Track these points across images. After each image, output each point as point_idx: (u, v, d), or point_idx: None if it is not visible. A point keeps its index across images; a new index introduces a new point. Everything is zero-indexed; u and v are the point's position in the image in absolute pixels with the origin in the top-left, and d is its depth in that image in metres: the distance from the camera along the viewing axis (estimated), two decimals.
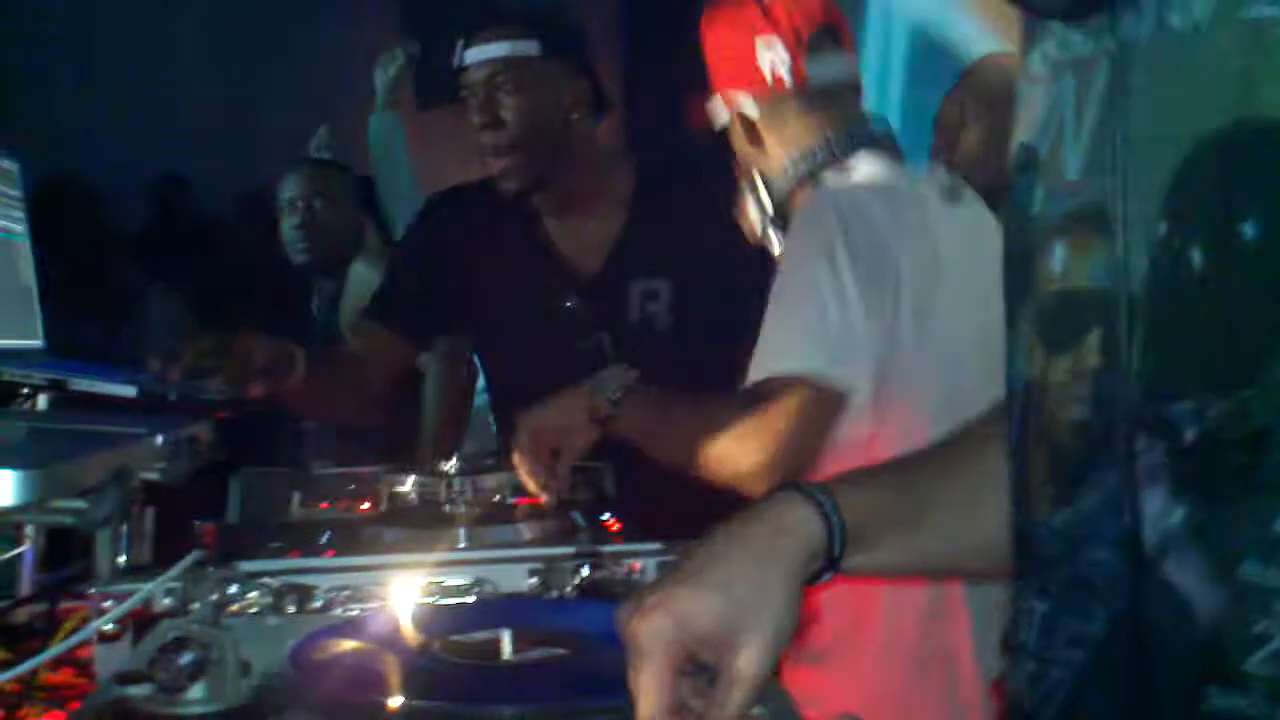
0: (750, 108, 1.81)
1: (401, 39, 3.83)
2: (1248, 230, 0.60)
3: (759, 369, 1.68)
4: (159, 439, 1.03)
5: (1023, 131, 0.81)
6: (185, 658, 1.04)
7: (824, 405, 1.65)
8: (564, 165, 2.19)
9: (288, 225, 3.24)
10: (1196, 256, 0.62)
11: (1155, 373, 0.66)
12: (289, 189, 3.25)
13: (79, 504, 0.89)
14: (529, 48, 2.15)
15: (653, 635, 0.88)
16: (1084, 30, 0.72)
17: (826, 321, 1.65)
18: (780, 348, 1.68)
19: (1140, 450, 0.67)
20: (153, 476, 1.04)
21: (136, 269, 3.95)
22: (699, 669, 0.90)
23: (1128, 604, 0.69)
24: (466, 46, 2.16)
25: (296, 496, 1.86)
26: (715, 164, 1.91)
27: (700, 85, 1.91)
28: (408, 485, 1.79)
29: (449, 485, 1.75)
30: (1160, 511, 0.66)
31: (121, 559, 1.32)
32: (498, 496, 1.75)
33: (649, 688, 0.87)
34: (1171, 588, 0.65)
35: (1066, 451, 0.74)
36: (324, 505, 1.82)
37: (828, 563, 0.94)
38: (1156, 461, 0.66)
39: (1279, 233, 0.59)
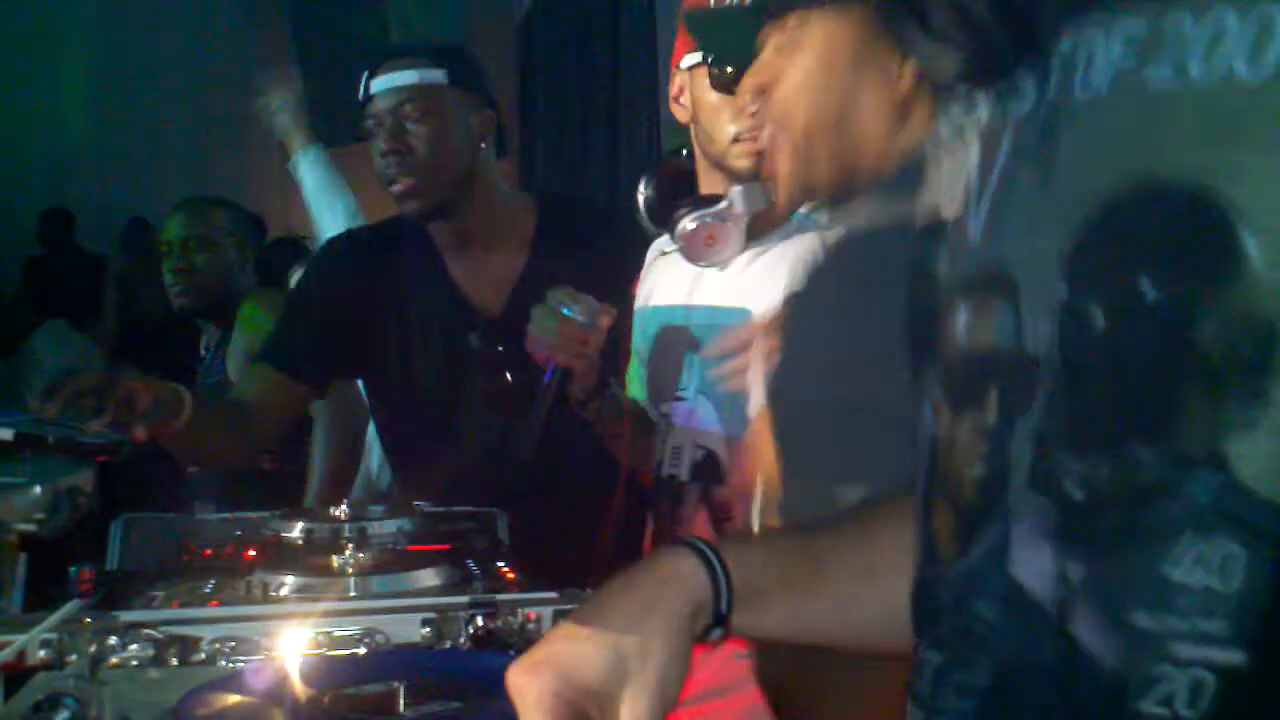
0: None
1: (281, 76, 3.66)
2: (1146, 291, 0.61)
3: None
4: (37, 489, 0.99)
5: (929, 195, 0.83)
6: (60, 716, 1.00)
7: None
8: (468, 194, 2.18)
9: (166, 268, 3.17)
10: (1096, 317, 0.63)
11: (1051, 431, 0.67)
12: (168, 231, 3.18)
13: None
14: (437, 76, 2.15)
15: (537, 693, 0.88)
16: (990, 99, 0.74)
17: None
18: None
19: (1032, 506, 0.68)
20: (29, 529, 1.00)
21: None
22: None
23: (1016, 655, 0.70)
24: (372, 77, 2.14)
25: (180, 543, 1.80)
26: (612, 206, 1.90)
27: (592, 131, 1.90)
28: (296, 531, 1.75)
29: (339, 531, 1.71)
30: (1053, 566, 0.67)
31: None
32: (389, 543, 1.71)
33: None
34: (1066, 639, 0.66)
35: (966, 507, 0.75)
36: (209, 552, 1.76)
37: (716, 619, 0.94)
38: (1048, 517, 0.67)
39: (1175, 294, 0.60)
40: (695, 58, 1.78)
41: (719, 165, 1.79)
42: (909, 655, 0.83)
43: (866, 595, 0.97)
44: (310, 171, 3.37)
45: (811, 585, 0.99)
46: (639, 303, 1.95)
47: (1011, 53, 0.71)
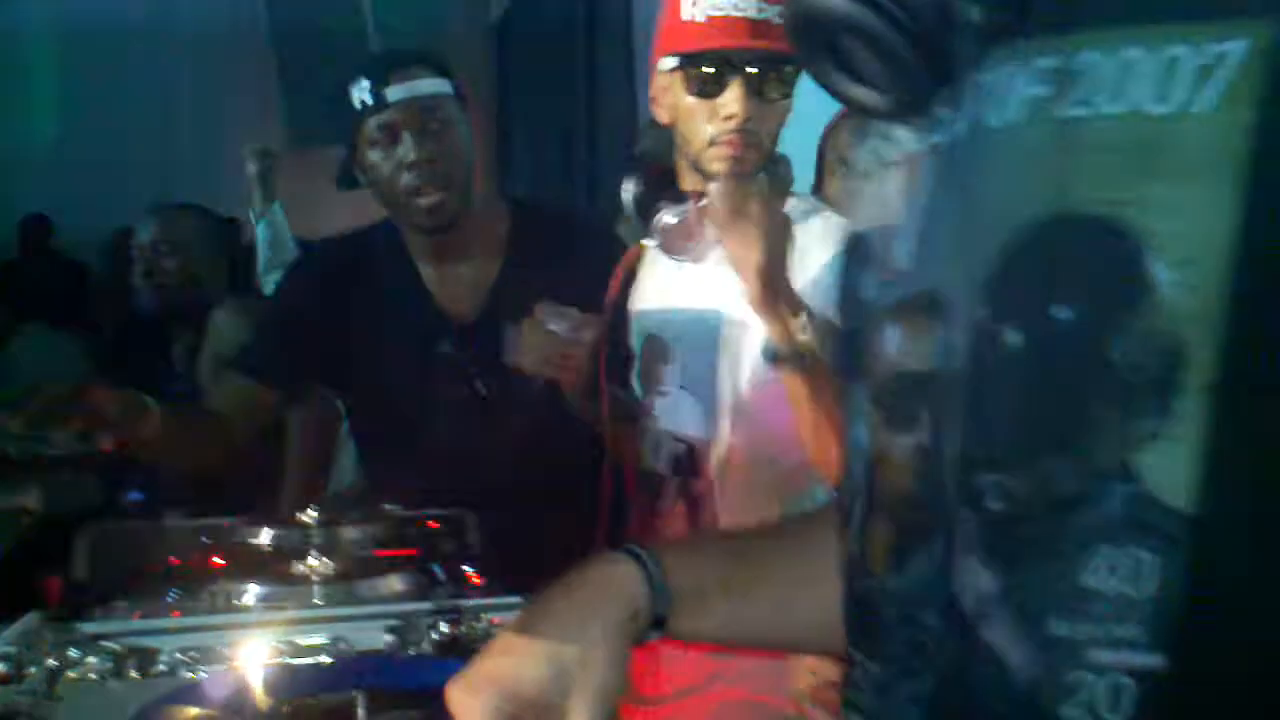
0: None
1: (259, 138, 3.90)
2: (1060, 314, 0.63)
3: None
4: None
5: (854, 222, 0.84)
6: None
7: None
8: (470, 205, 2.20)
9: (137, 273, 3.17)
10: (1013, 339, 0.65)
11: (972, 447, 0.69)
12: (141, 234, 3.17)
13: None
14: (447, 86, 2.16)
15: (479, 709, 0.88)
16: (909, 128, 0.76)
17: None
18: None
19: (959, 521, 0.70)
20: None
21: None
22: None
23: (954, 665, 0.71)
24: (383, 84, 2.12)
25: (147, 550, 1.80)
26: (588, 209, 1.91)
27: (568, 133, 1.91)
28: (262, 538, 1.74)
29: (306, 537, 1.71)
30: (975, 578, 0.69)
31: None
32: (355, 549, 1.71)
33: None
34: (990, 648, 0.68)
35: (904, 522, 0.76)
36: (175, 560, 1.76)
37: (653, 623, 0.95)
38: (970, 530, 0.69)
39: (1088, 316, 0.62)
40: (673, 61, 1.78)
41: (695, 167, 1.80)
42: (843, 655, 0.84)
43: (803, 598, 0.98)
44: (268, 228, 3.72)
45: (750, 589, 0.99)
46: (632, 300, 1.97)
47: (930, 88, 0.73)
